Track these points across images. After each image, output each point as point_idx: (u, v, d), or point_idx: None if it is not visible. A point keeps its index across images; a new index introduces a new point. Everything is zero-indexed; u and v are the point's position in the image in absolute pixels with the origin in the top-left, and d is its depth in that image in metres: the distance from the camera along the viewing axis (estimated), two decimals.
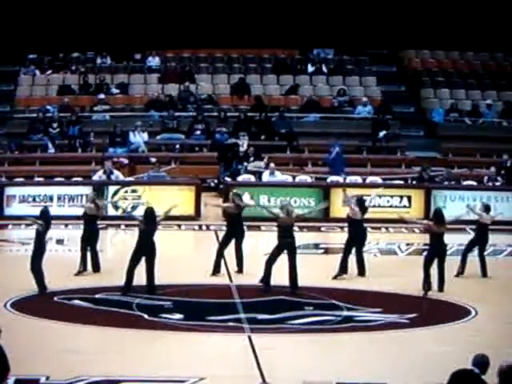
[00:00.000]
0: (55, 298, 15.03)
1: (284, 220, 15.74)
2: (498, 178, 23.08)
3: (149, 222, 15.56)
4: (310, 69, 28.30)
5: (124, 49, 24.32)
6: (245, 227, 16.95)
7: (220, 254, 16.53)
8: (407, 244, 18.47)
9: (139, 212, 20.52)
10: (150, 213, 15.73)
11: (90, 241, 16.18)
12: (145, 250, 15.41)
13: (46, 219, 15.30)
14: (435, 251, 15.65)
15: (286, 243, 15.64)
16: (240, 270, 16.61)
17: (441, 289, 15.71)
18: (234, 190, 16.27)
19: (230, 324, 14.16)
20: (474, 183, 23.13)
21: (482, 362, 8.73)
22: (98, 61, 28.15)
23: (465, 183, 23.10)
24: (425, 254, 16.23)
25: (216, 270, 16.40)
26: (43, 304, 14.83)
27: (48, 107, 26.12)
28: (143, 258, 15.46)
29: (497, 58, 29.16)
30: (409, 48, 28.58)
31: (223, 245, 16.64)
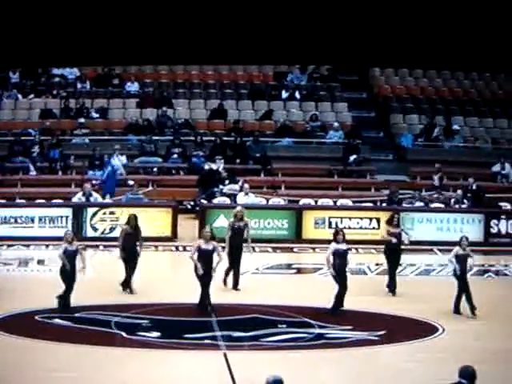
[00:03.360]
0: (36, 317, 14.99)
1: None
2: (465, 201, 23.29)
3: (133, 227, 16.10)
4: (284, 95, 28.51)
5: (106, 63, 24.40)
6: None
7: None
8: (376, 264, 18.61)
9: (117, 233, 20.63)
10: (133, 219, 16.38)
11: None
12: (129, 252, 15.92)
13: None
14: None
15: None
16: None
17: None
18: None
19: (206, 342, 14.19)
20: (442, 205, 23.32)
21: (468, 373, 8.74)
22: (79, 86, 28.21)
23: (432, 206, 23.28)
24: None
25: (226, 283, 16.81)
26: (24, 323, 14.78)
27: (30, 130, 26.12)
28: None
29: (464, 84, 29.55)
30: (381, 66, 28.95)
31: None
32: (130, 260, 16.49)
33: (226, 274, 16.99)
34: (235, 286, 16.98)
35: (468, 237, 16.64)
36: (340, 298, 15.53)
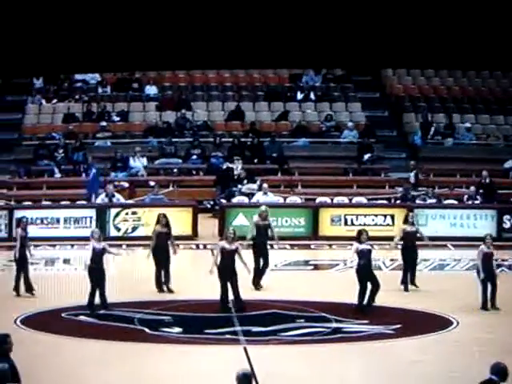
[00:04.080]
0: (63, 315, 15.16)
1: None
2: (478, 197, 23.25)
3: (164, 226, 16.34)
4: (299, 96, 28.56)
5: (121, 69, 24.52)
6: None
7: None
8: (391, 260, 18.66)
9: (139, 233, 20.76)
10: (163, 217, 16.60)
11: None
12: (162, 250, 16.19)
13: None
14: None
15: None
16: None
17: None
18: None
19: (227, 336, 14.32)
20: (455, 202, 23.32)
21: (499, 369, 8.68)
22: (100, 90, 28.38)
23: (445, 202, 23.29)
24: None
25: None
26: (52, 320, 14.96)
27: (54, 134, 26.32)
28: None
29: (475, 83, 29.48)
30: (391, 67, 28.93)
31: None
32: (163, 259, 16.48)
33: (255, 274, 16.89)
34: (258, 284, 16.85)
35: (492, 234, 16.69)
36: (372, 295, 15.45)
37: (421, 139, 27.10)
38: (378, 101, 29.05)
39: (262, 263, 16.97)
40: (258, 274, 16.91)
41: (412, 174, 24.56)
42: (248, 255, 16.61)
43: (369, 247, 15.70)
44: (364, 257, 15.51)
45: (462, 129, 27.61)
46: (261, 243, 17.07)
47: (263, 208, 17.69)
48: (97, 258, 15.35)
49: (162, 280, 16.51)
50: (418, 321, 15.42)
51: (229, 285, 15.37)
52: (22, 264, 16.09)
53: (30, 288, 16.10)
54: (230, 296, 15.43)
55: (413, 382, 12.39)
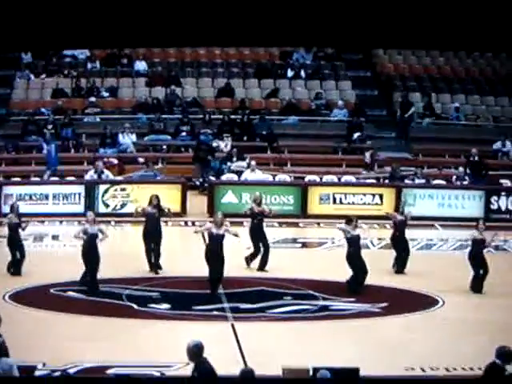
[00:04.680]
0: (51, 290, 15.30)
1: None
2: (466, 178, 23.43)
3: (155, 207, 16.42)
4: (290, 73, 28.62)
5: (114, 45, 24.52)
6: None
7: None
8: (379, 239, 18.85)
9: (128, 209, 20.90)
10: (155, 199, 16.61)
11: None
12: (153, 233, 16.20)
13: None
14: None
15: None
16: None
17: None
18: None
19: (215, 313, 14.49)
20: (443, 182, 23.50)
21: (503, 352, 8.78)
22: (89, 65, 28.35)
23: (434, 182, 23.47)
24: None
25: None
26: (40, 296, 15.10)
27: (42, 110, 26.33)
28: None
29: (466, 63, 29.60)
30: (383, 47, 28.97)
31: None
32: (153, 240, 16.56)
33: (252, 257, 16.93)
34: (262, 268, 16.86)
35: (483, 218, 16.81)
36: (362, 281, 15.61)
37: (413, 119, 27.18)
38: (368, 80, 29.13)
39: (262, 249, 16.92)
40: (262, 258, 16.91)
41: (367, 155, 24.55)
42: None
43: (358, 233, 15.84)
44: (354, 243, 15.65)
45: (451, 109, 27.76)
46: (257, 227, 17.03)
47: (258, 193, 17.72)
48: (91, 240, 15.34)
49: (153, 260, 16.61)
50: (405, 300, 15.62)
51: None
52: (16, 249, 16.13)
53: (17, 273, 16.11)
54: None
55: (400, 359, 12.60)
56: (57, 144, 23.41)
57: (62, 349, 12.58)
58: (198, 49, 29.46)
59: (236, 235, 15.73)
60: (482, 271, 15.85)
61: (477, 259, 15.86)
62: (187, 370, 11.77)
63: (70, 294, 15.16)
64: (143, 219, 16.91)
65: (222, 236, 15.48)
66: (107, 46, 28.86)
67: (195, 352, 8.95)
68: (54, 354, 12.33)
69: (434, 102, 28.13)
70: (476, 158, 23.87)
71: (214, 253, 15.36)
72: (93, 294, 15.00)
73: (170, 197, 21.20)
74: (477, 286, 15.83)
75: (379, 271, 16.77)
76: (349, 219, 15.94)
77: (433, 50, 29.74)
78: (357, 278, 15.53)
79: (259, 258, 16.97)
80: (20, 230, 16.24)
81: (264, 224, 17.39)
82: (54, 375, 11.50)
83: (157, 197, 16.92)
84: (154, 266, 16.54)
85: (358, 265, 15.56)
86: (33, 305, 14.55)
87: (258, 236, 17.00)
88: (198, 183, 24.02)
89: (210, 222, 16.15)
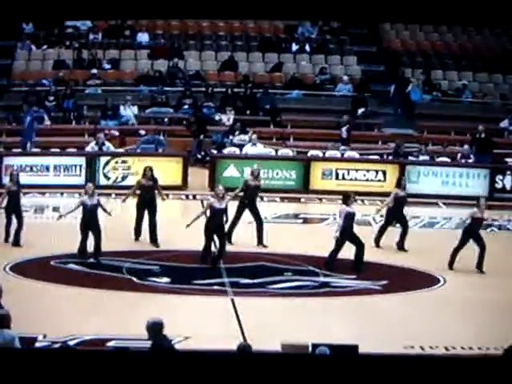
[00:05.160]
0: (52, 262, 15.43)
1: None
2: (471, 156, 23.47)
3: (150, 179, 16.49)
4: (294, 47, 28.59)
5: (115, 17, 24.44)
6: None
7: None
8: (381, 216, 18.89)
9: (129, 182, 21.00)
10: (149, 170, 16.65)
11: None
12: (147, 204, 16.33)
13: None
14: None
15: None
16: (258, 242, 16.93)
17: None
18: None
19: (215, 287, 14.62)
20: (448, 160, 23.55)
21: None
22: (91, 37, 28.32)
23: (438, 159, 23.53)
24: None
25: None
26: (41, 268, 15.23)
27: (44, 81, 26.36)
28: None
29: (474, 40, 29.53)
30: (388, 21, 28.92)
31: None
32: (148, 212, 16.66)
33: (230, 229, 16.86)
34: (261, 241, 16.91)
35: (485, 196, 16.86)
36: (361, 256, 15.65)
37: (420, 95, 27.18)
38: (374, 55, 29.09)
39: (255, 224, 16.98)
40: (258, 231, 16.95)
41: (344, 129, 24.54)
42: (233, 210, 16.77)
43: (354, 210, 15.90)
44: (349, 219, 15.73)
45: (457, 86, 27.74)
46: (250, 202, 17.07)
47: (255, 166, 17.78)
48: (88, 213, 15.39)
49: (141, 230, 16.66)
50: (405, 278, 15.73)
51: (217, 241, 15.60)
52: (14, 215, 16.24)
53: (17, 243, 16.23)
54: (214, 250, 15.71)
55: (399, 336, 12.73)
56: (34, 116, 23.19)
57: (63, 321, 12.74)
58: (202, 21, 29.41)
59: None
60: (479, 250, 15.94)
61: (473, 236, 15.96)
62: (186, 343, 11.96)
63: (71, 266, 15.29)
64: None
65: (224, 209, 15.56)
66: (110, 17, 28.89)
67: (154, 329, 9.11)
68: (55, 326, 12.48)
69: (441, 78, 28.13)
70: (482, 135, 23.90)
71: (218, 227, 15.44)
72: (98, 267, 15.13)
73: (171, 170, 21.32)
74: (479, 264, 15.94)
75: (380, 248, 16.90)
76: (347, 195, 15.99)
77: (441, 26, 29.68)
78: (338, 251, 15.53)
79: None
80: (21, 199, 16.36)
81: (258, 199, 17.40)
82: (54, 347, 11.65)
83: (151, 168, 17.02)
84: (151, 239, 16.65)
85: (351, 240, 15.64)
86: (33, 277, 14.68)
87: (251, 211, 17.00)
88: (199, 156, 24.09)
89: (211, 196, 16.23)
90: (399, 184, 17.57)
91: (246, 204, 16.95)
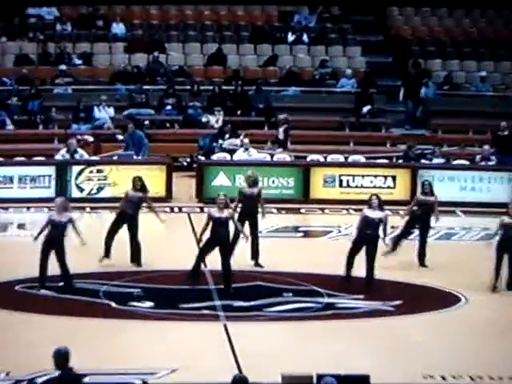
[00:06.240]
0: (16, 287, 15.35)
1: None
2: (492, 157, 23.48)
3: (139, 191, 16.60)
4: (290, 38, 28.67)
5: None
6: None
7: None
8: (392, 227, 18.90)
9: (105, 194, 20.94)
10: (138, 181, 16.69)
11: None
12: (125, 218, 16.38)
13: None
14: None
15: None
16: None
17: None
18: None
19: (204, 312, 14.59)
20: (466, 162, 23.58)
21: None
22: (58, 27, 28.32)
23: (455, 162, 23.55)
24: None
25: None
26: (3, 293, 15.16)
27: (4, 79, 26.33)
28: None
29: (495, 25, 29.58)
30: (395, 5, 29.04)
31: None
32: (128, 225, 16.54)
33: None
34: (255, 258, 16.82)
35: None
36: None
37: (433, 90, 27.23)
38: (380, 45, 29.21)
39: (250, 238, 16.82)
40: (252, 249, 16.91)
41: (281, 130, 24.56)
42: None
43: (373, 216, 15.87)
44: (363, 225, 15.78)
45: (476, 78, 27.80)
46: (249, 214, 17.00)
47: (249, 172, 17.65)
48: (53, 231, 15.21)
49: (112, 245, 16.54)
50: (421, 297, 15.74)
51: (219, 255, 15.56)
52: None
53: None
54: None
55: (414, 364, 12.70)
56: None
57: (30, 355, 12.66)
58: (185, 8, 29.47)
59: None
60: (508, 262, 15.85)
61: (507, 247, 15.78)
62: (173, 377, 11.91)
63: (38, 291, 15.19)
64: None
65: (226, 219, 15.44)
66: (79, 2, 28.89)
67: (56, 360, 9.09)
68: (20, 361, 12.41)
69: (457, 69, 28.19)
70: (506, 133, 23.93)
71: (217, 238, 15.33)
72: (70, 291, 15.06)
73: (153, 179, 21.27)
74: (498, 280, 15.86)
75: (392, 264, 16.87)
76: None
77: (456, 9, 29.76)
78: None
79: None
80: None
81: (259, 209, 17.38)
82: None
83: (140, 179, 16.94)
84: (135, 258, 16.60)
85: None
86: None
87: (249, 224, 16.94)
88: (185, 163, 24.10)
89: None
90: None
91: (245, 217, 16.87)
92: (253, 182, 17.24)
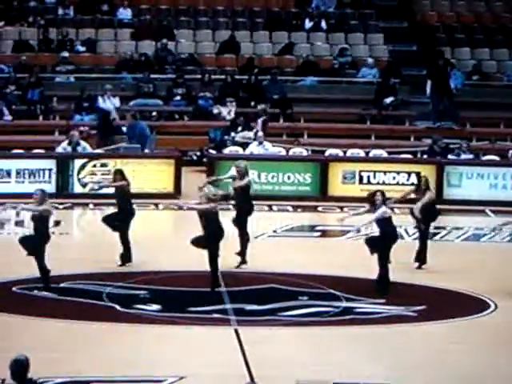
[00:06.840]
0: (14, 289, 15.40)
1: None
2: None
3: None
4: (308, 24, 28.69)
5: None
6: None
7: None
8: (415, 227, 18.91)
9: (109, 189, 20.98)
10: (119, 173, 16.65)
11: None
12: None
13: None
14: None
15: None
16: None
17: None
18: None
19: (215, 316, 14.61)
20: (497, 158, 23.56)
21: None
22: (60, 12, 28.40)
23: (485, 158, 23.52)
24: None
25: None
26: (0, 295, 15.20)
27: (2, 66, 26.43)
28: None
29: None
30: None
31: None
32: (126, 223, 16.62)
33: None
34: (242, 257, 16.86)
35: None
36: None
37: (461, 80, 27.19)
38: (405, 32, 29.19)
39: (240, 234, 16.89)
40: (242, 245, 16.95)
41: (259, 121, 24.50)
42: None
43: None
44: (381, 224, 15.77)
45: (508, 67, 27.76)
46: (238, 208, 17.02)
47: (238, 163, 17.37)
48: (35, 223, 15.10)
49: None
50: (447, 302, 15.71)
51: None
52: None
53: None
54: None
55: (441, 375, 12.69)
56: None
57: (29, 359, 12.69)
58: None
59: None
60: None
61: None
62: None
63: (37, 292, 15.26)
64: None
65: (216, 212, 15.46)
66: None
67: (14, 370, 8.86)
68: None
69: (488, 58, 28.14)
70: None
71: (218, 233, 15.38)
72: (72, 293, 15.09)
73: (161, 174, 21.36)
74: None
75: (414, 267, 16.87)
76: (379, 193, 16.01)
77: None
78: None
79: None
80: None
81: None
82: None
83: (120, 171, 16.79)
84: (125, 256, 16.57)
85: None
86: None
87: (237, 220, 16.92)
88: (195, 157, 24.16)
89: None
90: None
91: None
92: (243, 174, 17.07)
